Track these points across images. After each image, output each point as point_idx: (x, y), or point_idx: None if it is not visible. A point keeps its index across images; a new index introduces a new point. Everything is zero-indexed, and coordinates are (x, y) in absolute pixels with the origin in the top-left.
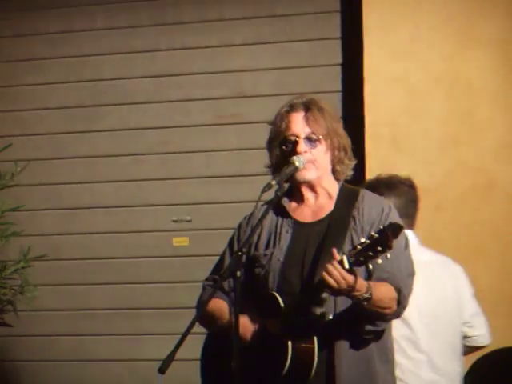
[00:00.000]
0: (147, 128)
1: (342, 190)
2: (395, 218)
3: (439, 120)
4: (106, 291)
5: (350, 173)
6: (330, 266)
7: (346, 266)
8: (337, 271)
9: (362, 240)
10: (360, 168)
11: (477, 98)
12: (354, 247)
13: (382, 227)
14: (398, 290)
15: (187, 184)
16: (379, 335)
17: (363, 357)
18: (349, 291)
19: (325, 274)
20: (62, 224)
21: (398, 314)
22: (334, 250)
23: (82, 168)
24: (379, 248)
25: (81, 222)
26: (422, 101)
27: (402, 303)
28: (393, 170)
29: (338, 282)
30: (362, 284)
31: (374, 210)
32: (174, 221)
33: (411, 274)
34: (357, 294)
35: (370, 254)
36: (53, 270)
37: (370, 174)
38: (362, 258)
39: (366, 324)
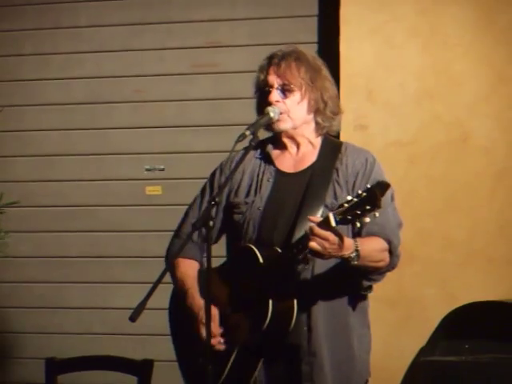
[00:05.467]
0: (122, 76)
1: (324, 142)
2: (379, 169)
3: (414, 73)
4: (78, 239)
5: (335, 127)
6: (314, 228)
7: (333, 224)
8: (320, 232)
9: (349, 198)
10: None
11: (452, 52)
12: (341, 205)
13: (369, 186)
14: (389, 241)
15: (161, 133)
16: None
17: (339, 313)
18: (336, 251)
19: (310, 239)
20: (35, 171)
21: (393, 265)
22: (312, 218)
23: (56, 115)
24: (368, 207)
25: (54, 169)
26: (397, 54)
27: (394, 253)
28: (367, 123)
29: (321, 244)
30: (348, 242)
31: (357, 161)
32: (147, 169)
33: (399, 224)
34: (345, 253)
35: (358, 212)
36: (25, 216)
37: (344, 126)
38: (349, 216)
39: (363, 280)
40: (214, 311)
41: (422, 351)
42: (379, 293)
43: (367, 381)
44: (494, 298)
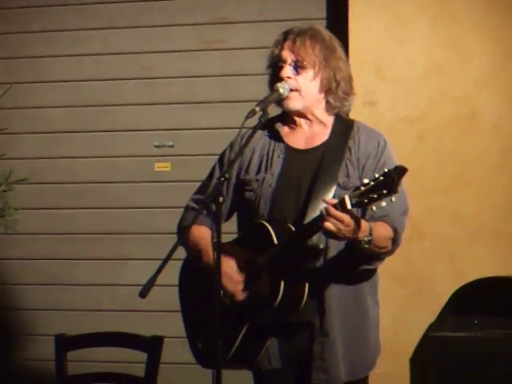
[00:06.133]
0: (130, 53)
1: (336, 121)
2: (389, 152)
3: (423, 49)
4: (87, 216)
5: (347, 108)
6: (330, 209)
7: (348, 206)
8: (336, 214)
9: (366, 181)
10: None
11: (461, 27)
12: (357, 188)
13: (387, 170)
14: (395, 229)
15: (170, 110)
16: (373, 272)
17: (354, 293)
18: (351, 233)
19: (325, 219)
20: (44, 148)
21: (391, 253)
22: (327, 200)
23: (64, 92)
24: (384, 191)
25: (63, 146)
26: (405, 29)
27: (396, 242)
28: (376, 99)
29: (336, 225)
30: (365, 225)
31: (370, 142)
32: (156, 146)
33: (405, 211)
34: (361, 235)
35: (375, 196)
36: (34, 193)
37: (354, 103)
38: (365, 199)
39: (362, 264)
40: (229, 264)
41: (432, 327)
42: (389, 269)
43: (377, 358)
44: (502, 273)
